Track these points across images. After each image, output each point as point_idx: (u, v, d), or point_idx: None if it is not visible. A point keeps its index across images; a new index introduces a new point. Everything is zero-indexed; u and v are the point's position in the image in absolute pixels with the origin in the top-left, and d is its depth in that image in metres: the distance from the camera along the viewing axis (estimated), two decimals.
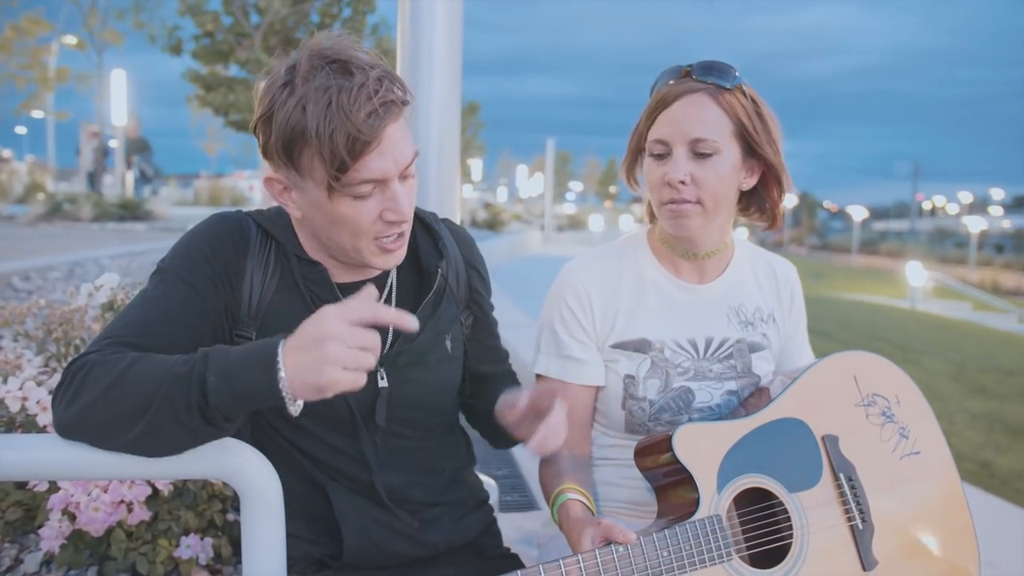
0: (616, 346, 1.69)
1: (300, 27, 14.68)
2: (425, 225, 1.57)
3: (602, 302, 1.69)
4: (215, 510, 2.11)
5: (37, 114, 27.44)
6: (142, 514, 1.89)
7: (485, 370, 1.69)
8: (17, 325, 2.29)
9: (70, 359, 1.31)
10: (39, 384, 1.94)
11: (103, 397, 1.18)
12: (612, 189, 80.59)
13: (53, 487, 1.91)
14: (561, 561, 1.31)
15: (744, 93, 1.59)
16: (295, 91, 1.27)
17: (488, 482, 2.68)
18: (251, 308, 1.39)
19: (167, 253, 1.41)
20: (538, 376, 1.74)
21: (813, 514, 1.51)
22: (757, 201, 1.71)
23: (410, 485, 1.53)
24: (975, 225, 54.03)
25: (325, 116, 1.24)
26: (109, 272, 2.23)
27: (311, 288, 1.43)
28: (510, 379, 1.72)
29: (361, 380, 1.15)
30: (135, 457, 1.24)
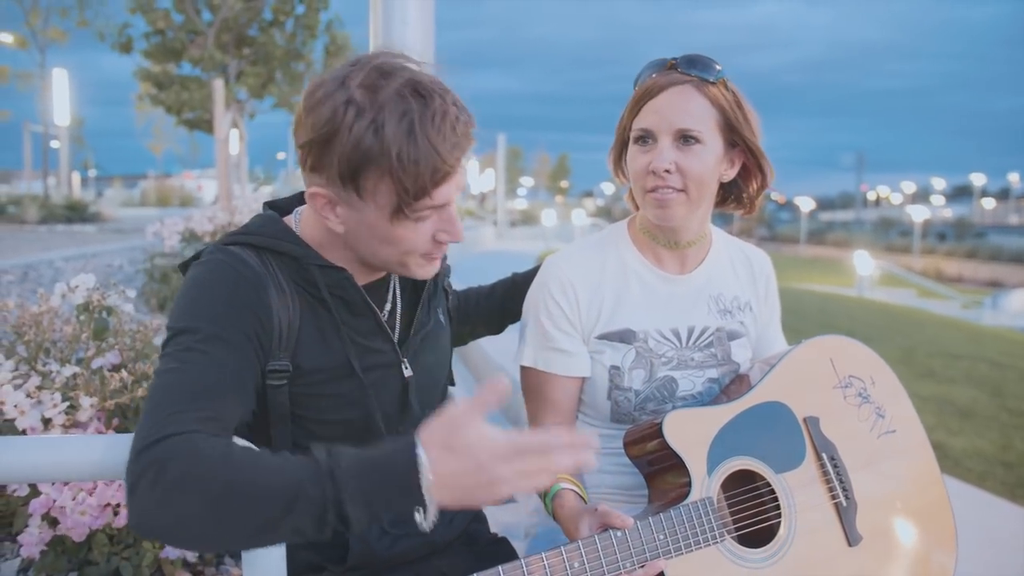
0: (601, 337, 1.72)
1: (253, 24, 14.46)
2: None
3: (587, 294, 1.72)
4: None
5: None
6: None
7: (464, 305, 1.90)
8: None
9: (137, 446, 1.10)
10: (16, 388, 1.89)
11: (211, 510, 1.05)
12: (563, 184, 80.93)
13: (33, 491, 1.87)
14: (562, 548, 1.33)
15: (727, 86, 1.63)
16: (364, 111, 1.20)
17: None
18: (283, 340, 1.32)
19: (180, 312, 1.27)
20: (523, 368, 1.76)
21: (799, 493, 1.56)
22: (735, 192, 1.76)
23: None
24: (918, 214, 55.51)
25: (408, 143, 1.19)
26: (85, 274, 2.19)
27: (336, 295, 1.39)
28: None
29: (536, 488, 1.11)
30: (109, 457, 1.24)
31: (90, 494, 1.79)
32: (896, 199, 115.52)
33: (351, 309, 1.41)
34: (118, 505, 1.84)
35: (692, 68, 1.60)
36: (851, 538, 1.57)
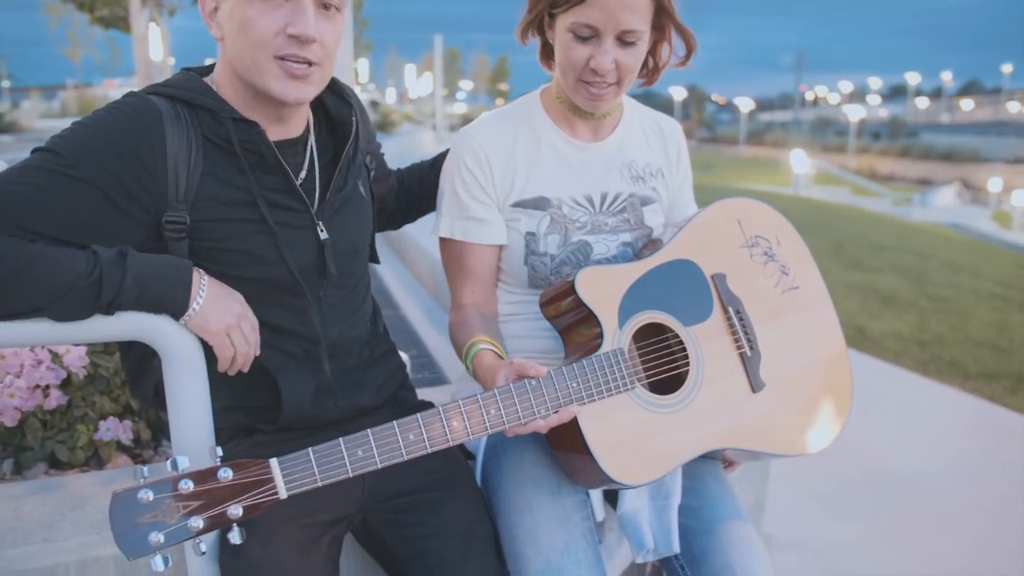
0: (516, 205, 1.75)
1: None
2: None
3: (500, 163, 1.75)
4: (130, 395, 2.12)
5: None
6: (59, 398, 1.88)
7: (392, 181, 1.95)
8: None
9: None
10: None
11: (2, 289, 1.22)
12: (503, 87, 79.49)
13: None
14: (479, 396, 1.40)
15: None
16: None
17: (403, 356, 2.75)
18: (179, 192, 1.35)
19: (62, 134, 1.32)
20: (442, 239, 1.80)
21: (706, 345, 1.65)
22: (644, 61, 1.78)
23: (349, 341, 1.60)
24: (854, 114, 56.26)
25: None
26: None
27: (248, 149, 1.40)
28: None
29: (237, 363, 1.41)
30: (48, 323, 1.26)
31: (18, 376, 1.79)
32: (834, 99, 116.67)
33: (264, 167, 1.43)
34: (47, 387, 1.85)
35: None
36: (755, 385, 1.68)
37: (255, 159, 1.41)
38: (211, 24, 1.39)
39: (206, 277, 1.37)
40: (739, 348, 1.68)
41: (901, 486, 3.58)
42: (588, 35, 1.61)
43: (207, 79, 1.46)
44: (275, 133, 1.46)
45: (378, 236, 1.81)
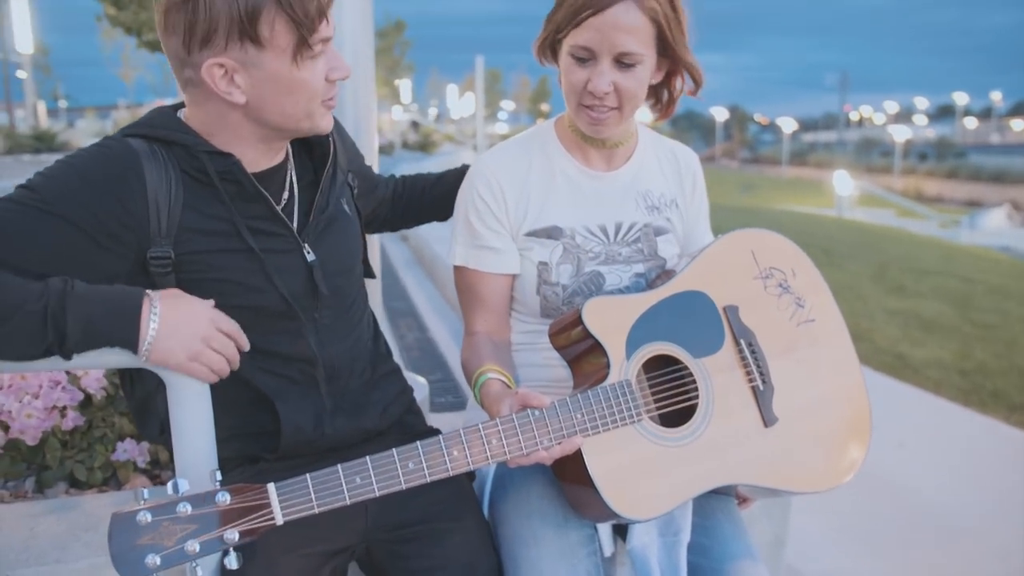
0: (529, 234, 1.75)
1: None
2: None
3: (514, 192, 1.75)
4: (138, 432, 2.15)
5: None
6: (76, 419, 1.92)
7: (382, 192, 1.95)
8: None
9: None
10: None
11: None
12: (544, 107, 79.87)
13: None
14: (480, 425, 1.40)
15: None
16: None
17: (419, 380, 2.76)
18: (161, 228, 1.36)
19: (42, 172, 1.33)
20: (455, 267, 1.80)
21: (717, 377, 1.63)
22: (656, 93, 1.77)
23: (348, 361, 1.60)
24: (900, 134, 55.45)
25: None
26: None
27: (226, 179, 1.42)
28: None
29: (212, 376, 1.37)
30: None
31: (36, 397, 1.83)
32: (879, 119, 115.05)
33: (244, 196, 1.44)
34: (64, 408, 1.89)
35: None
36: (767, 419, 1.64)
37: (234, 189, 1.42)
38: (230, 91, 1.35)
39: (159, 302, 1.30)
40: (751, 381, 1.65)
41: (937, 522, 3.48)
42: (586, 57, 1.61)
43: (180, 113, 1.46)
44: (257, 164, 1.47)
45: (408, 257, 1.83)
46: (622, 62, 1.60)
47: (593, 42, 1.59)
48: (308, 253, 1.51)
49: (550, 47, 1.72)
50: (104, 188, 1.32)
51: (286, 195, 1.53)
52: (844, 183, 29.13)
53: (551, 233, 1.75)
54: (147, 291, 1.31)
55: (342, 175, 1.66)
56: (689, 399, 1.61)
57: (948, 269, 13.10)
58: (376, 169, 2.02)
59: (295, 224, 1.52)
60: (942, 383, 6.33)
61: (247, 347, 1.41)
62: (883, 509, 3.57)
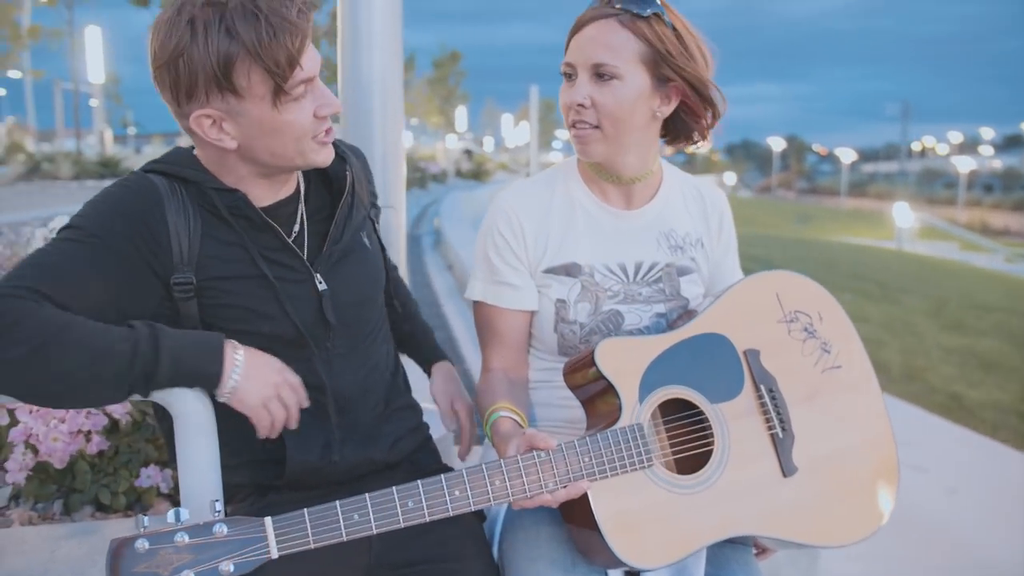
0: (548, 271, 1.74)
1: None
2: None
3: (533, 228, 1.74)
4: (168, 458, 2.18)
5: (14, 74, 26.99)
6: (101, 444, 1.96)
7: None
8: None
9: None
10: None
11: (34, 358, 1.24)
12: None
13: (13, 419, 1.97)
14: (483, 466, 1.38)
15: (663, 20, 1.61)
16: (210, 22, 1.32)
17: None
18: (183, 256, 1.44)
19: (80, 212, 1.43)
20: (474, 303, 1.80)
21: (734, 423, 1.58)
22: (684, 130, 1.75)
23: (360, 392, 1.61)
24: (964, 165, 54.09)
25: (260, 26, 1.32)
26: (62, 217, 2.26)
27: (236, 214, 1.48)
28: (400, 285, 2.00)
29: (273, 427, 1.44)
30: None
31: (62, 421, 1.88)
32: (942, 150, 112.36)
33: (255, 227, 1.49)
34: (89, 432, 1.93)
35: (622, 1, 1.59)
36: (786, 468, 1.59)
37: (244, 222, 1.48)
38: (221, 138, 1.42)
39: (240, 349, 1.41)
40: (770, 429, 1.61)
41: (988, 573, 3.33)
42: (570, 73, 1.65)
43: (196, 151, 1.54)
44: (264, 198, 1.52)
45: (451, 286, 1.85)
46: (597, 74, 1.61)
47: (572, 58, 1.64)
48: (320, 283, 1.54)
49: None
50: (135, 218, 1.41)
51: (297, 227, 1.57)
52: (904, 215, 28.47)
53: (569, 270, 1.74)
54: (224, 336, 1.41)
55: (363, 209, 1.68)
56: (707, 445, 1.57)
57: (1012, 306, 12.65)
58: (428, 196, 2.05)
59: (306, 254, 1.55)
60: (1000, 426, 6.09)
61: (307, 404, 1.48)
62: (931, 558, 3.43)
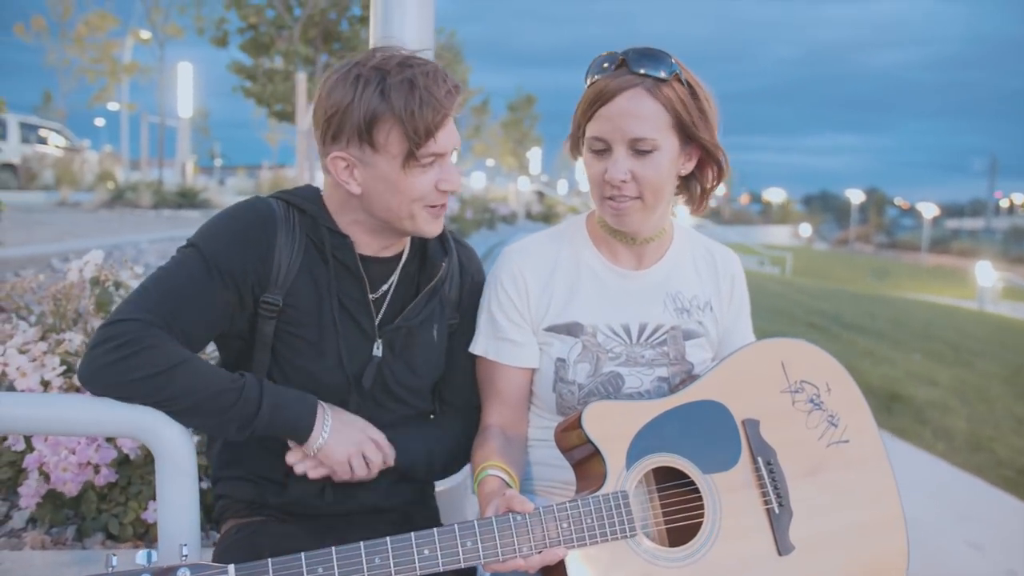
0: (549, 329, 1.72)
1: (342, 20, 14.88)
2: None
3: (538, 286, 1.73)
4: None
5: (112, 106, 28.57)
6: (109, 476, 2.00)
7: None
8: (18, 298, 2.43)
9: (104, 322, 1.47)
10: (22, 352, 2.06)
11: (151, 382, 1.40)
12: None
13: (28, 447, 2.03)
14: (456, 526, 1.36)
15: (681, 80, 1.59)
16: (371, 81, 1.48)
17: None
18: (279, 277, 1.56)
19: (200, 230, 1.57)
20: (476, 357, 1.79)
21: (728, 495, 1.53)
22: (689, 185, 1.73)
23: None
24: None
25: (410, 96, 1.47)
26: (96, 250, 2.35)
27: (336, 256, 1.60)
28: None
29: (358, 474, 1.56)
30: (53, 414, 1.38)
31: (72, 452, 1.93)
32: None
33: (347, 274, 1.60)
34: (97, 465, 1.97)
35: (642, 65, 1.56)
36: (781, 547, 1.52)
37: (341, 267, 1.60)
38: (348, 181, 1.55)
39: (328, 410, 1.54)
40: (767, 504, 1.54)
41: None
42: (601, 148, 1.61)
43: (324, 193, 1.67)
44: (370, 249, 1.64)
45: None
46: (637, 149, 1.58)
47: (605, 132, 1.59)
48: (377, 348, 1.63)
49: (576, 144, 1.71)
50: (248, 239, 1.55)
51: (384, 287, 1.66)
52: (986, 273, 27.35)
53: (571, 329, 1.71)
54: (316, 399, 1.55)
55: (447, 308, 1.73)
56: (701, 516, 1.52)
57: None
58: (496, 237, 2.09)
59: (379, 318, 1.64)
60: None
61: (392, 463, 1.60)
62: None
